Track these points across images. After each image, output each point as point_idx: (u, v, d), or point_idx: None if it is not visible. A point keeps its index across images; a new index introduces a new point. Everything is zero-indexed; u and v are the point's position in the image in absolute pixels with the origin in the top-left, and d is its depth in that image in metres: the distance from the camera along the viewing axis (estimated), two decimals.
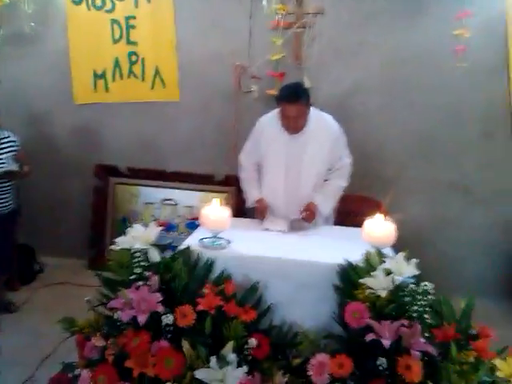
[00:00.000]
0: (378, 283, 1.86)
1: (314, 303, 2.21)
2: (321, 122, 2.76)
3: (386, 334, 1.79)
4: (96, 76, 3.88)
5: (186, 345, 1.96)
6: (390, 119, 3.68)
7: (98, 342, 1.93)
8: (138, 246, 1.98)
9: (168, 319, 1.96)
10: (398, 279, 1.80)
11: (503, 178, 3.58)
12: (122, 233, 3.86)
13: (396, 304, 1.80)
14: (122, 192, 4.11)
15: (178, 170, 3.98)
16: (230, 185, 3.93)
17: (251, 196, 2.81)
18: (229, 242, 2.30)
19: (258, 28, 3.63)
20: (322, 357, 1.95)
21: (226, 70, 3.72)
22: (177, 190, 4.03)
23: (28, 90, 3.90)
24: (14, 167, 3.06)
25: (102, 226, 4.11)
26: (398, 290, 1.82)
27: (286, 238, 2.53)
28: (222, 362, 1.94)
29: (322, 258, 2.22)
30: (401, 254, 1.91)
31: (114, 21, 3.77)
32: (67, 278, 3.82)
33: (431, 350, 1.76)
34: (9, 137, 3.16)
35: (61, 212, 4.12)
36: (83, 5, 3.76)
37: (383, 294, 1.80)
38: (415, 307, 1.80)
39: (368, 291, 1.85)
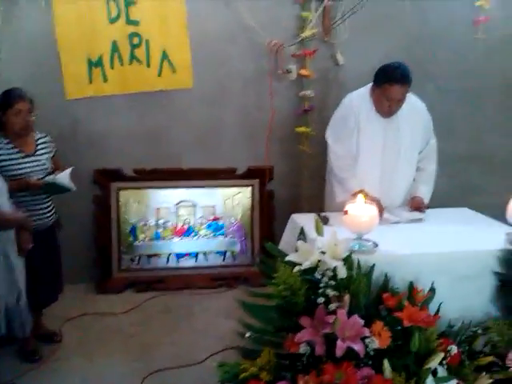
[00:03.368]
0: None
1: (469, 295, 2.08)
2: (410, 103, 2.59)
3: None
4: (91, 64, 3.21)
5: (387, 368, 1.72)
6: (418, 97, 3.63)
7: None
8: (329, 262, 1.65)
9: (373, 343, 1.69)
10: None
11: None
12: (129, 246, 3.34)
13: None
14: (127, 198, 3.53)
15: (194, 166, 3.53)
16: (253, 177, 3.59)
17: (351, 186, 2.54)
18: (376, 244, 2.05)
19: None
20: None
21: (248, 49, 3.36)
22: (193, 189, 3.58)
23: None
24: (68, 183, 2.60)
25: (107, 241, 3.51)
26: None
27: (416, 230, 2.36)
28: (436, 379, 1.74)
29: (476, 246, 2.12)
30: None
31: None
32: (82, 308, 3.20)
33: None
34: (45, 136, 2.69)
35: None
36: None
37: None
38: None
39: None
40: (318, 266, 1.70)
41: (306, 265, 1.67)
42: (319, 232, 1.81)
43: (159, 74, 3.33)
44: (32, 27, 3.10)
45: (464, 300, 2.06)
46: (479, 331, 1.98)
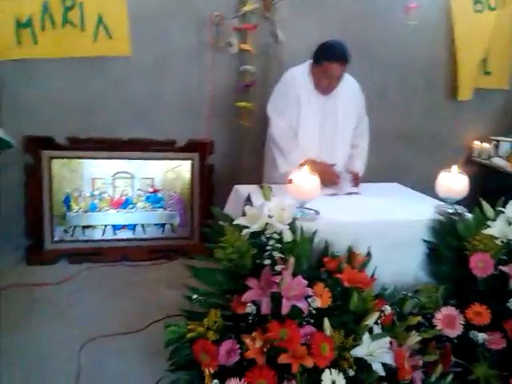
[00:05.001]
0: (501, 232, 1.99)
1: (401, 261, 2.23)
2: (346, 82, 2.69)
3: None
4: (19, 25, 3.01)
5: (328, 326, 1.82)
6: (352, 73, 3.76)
7: (256, 343, 1.65)
8: (276, 225, 1.71)
9: (315, 303, 1.77)
10: None
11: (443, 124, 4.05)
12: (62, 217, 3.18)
13: None
14: (60, 168, 3.38)
15: (132, 137, 3.44)
16: (193, 151, 3.57)
17: (295, 158, 2.58)
18: (317, 212, 2.14)
19: None
20: (448, 310, 2.03)
21: (189, 22, 3.32)
22: (131, 161, 3.49)
23: None
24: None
25: (38, 211, 3.35)
26: None
27: (353, 201, 2.48)
28: (372, 335, 1.86)
29: (408, 216, 2.27)
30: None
31: None
32: (12, 279, 3.02)
33: None
34: None
35: None
36: None
37: None
38: None
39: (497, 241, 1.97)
40: (265, 230, 1.75)
41: (255, 228, 1.71)
42: (267, 197, 1.86)
43: (95, 39, 3.19)
44: None
45: (396, 265, 2.19)
46: (409, 294, 2.13)
